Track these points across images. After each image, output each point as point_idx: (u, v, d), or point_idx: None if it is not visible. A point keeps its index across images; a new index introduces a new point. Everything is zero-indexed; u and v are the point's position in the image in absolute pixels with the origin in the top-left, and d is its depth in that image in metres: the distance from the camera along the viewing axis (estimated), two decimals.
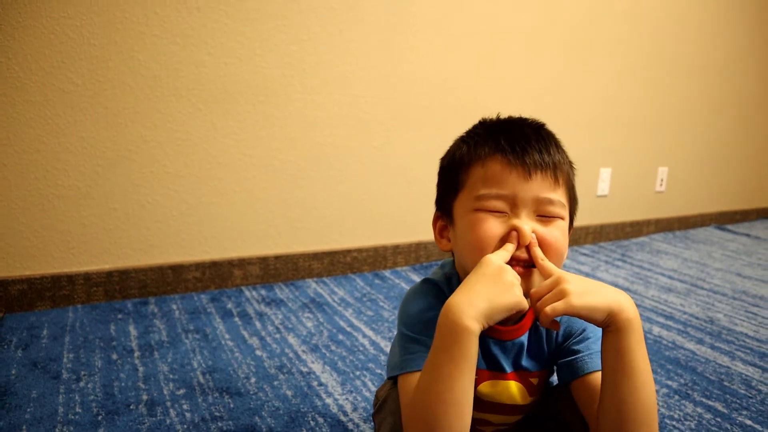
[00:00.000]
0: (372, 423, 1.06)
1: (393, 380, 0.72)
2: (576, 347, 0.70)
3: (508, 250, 0.63)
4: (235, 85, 1.66)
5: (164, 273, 1.66)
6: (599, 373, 0.65)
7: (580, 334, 0.72)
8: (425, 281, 0.75)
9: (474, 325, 0.58)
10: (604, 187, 2.61)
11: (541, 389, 0.76)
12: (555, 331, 0.73)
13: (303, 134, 1.79)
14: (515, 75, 2.18)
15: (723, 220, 3.25)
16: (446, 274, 0.76)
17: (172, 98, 1.59)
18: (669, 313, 1.77)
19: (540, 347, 0.74)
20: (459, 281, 0.68)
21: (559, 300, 0.58)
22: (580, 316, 0.59)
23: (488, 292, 0.58)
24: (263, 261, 1.80)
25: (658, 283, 2.08)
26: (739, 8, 2.89)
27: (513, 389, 0.73)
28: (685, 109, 2.82)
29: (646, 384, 0.59)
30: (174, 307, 1.59)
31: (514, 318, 0.71)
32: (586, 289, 0.59)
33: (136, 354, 1.30)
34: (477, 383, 0.71)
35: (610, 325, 0.59)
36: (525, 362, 0.73)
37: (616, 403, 0.59)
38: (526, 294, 0.64)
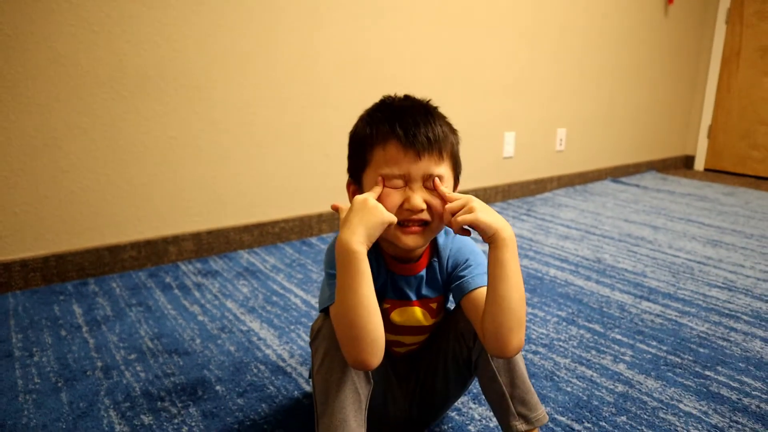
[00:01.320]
0: (309, 366, 1.23)
1: (325, 312, 0.88)
2: (461, 273, 0.92)
3: (375, 191, 0.83)
4: (156, 69, 1.73)
5: (101, 254, 1.74)
6: (481, 289, 0.87)
7: (464, 263, 0.93)
8: None
9: (360, 248, 0.77)
10: (509, 150, 2.85)
11: (439, 312, 0.98)
12: (445, 264, 0.93)
13: (225, 115, 1.89)
14: (423, 51, 2.35)
15: (618, 173, 3.61)
16: None
17: (94, 85, 1.64)
18: (564, 257, 2.03)
19: (435, 278, 0.94)
20: None
21: (470, 213, 0.79)
22: (478, 228, 0.80)
23: (361, 219, 0.79)
24: (196, 236, 1.91)
25: (557, 233, 2.35)
26: None
27: (418, 314, 0.95)
28: (579, 75, 3.10)
29: (517, 287, 0.81)
30: (114, 285, 1.68)
31: (415, 258, 0.90)
32: (486, 210, 0.81)
33: (84, 329, 1.40)
34: (389, 311, 0.91)
35: (494, 241, 0.80)
36: (425, 291, 0.95)
37: (496, 302, 0.80)
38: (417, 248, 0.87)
